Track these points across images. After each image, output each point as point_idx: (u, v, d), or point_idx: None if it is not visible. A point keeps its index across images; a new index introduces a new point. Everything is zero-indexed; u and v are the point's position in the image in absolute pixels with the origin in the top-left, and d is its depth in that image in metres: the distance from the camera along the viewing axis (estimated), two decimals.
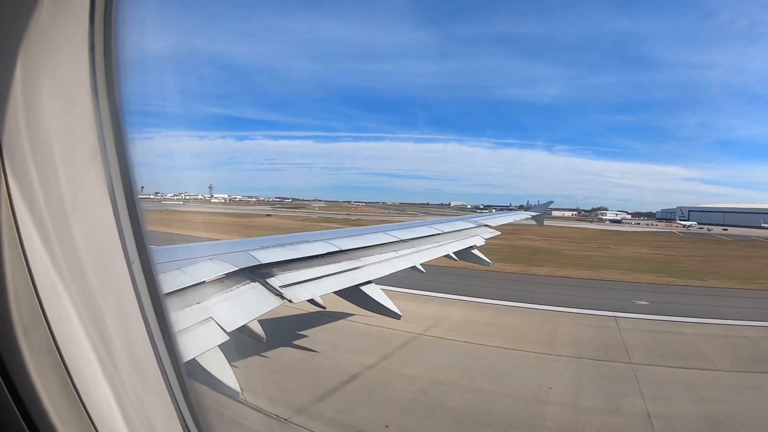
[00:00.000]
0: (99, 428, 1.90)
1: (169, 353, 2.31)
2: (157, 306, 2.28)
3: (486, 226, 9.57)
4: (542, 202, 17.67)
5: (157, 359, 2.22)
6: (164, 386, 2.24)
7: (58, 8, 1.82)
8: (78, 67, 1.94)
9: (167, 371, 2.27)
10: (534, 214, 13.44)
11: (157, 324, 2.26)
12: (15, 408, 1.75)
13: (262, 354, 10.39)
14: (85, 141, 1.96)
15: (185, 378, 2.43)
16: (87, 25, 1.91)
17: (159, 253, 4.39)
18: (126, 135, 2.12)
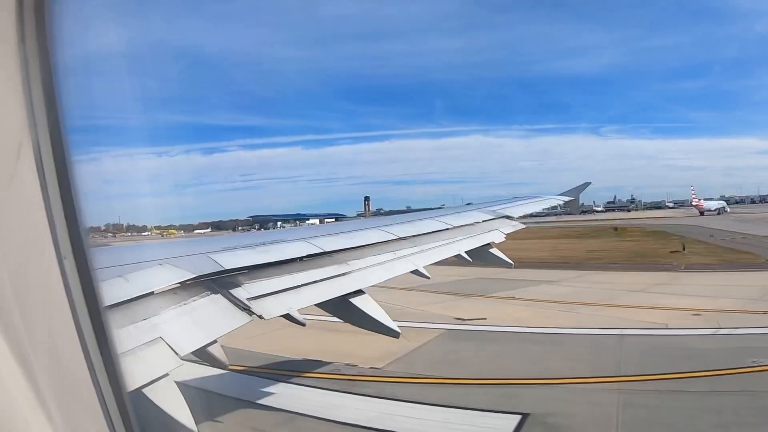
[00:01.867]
0: None
1: (109, 378, 2.06)
2: (94, 317, 2.04)
3: (507, 217, 8.74)
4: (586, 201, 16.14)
5: (94, 384, 1.97)
6: (102, 418, 1.98)
7: None
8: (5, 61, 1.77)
9: (107, 400, 2.02)
10: (567, 198, 12.21)
11: (94, 340, 2.02)
12: None
13: None
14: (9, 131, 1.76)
15: (129, 409, 2.18)
16: (14, 15, 1.74)
17: (97, 255, 3.69)
18: (63, 126, 1.92)
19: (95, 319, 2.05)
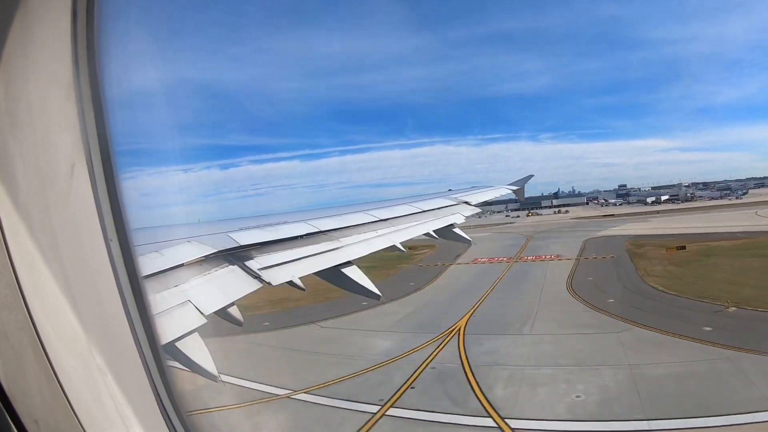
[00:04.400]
0: (75, 407, 1.87)
1: (146, 334, 2.29)
2: (135, 286, 2.26)
3: (466, 203, 9.34)
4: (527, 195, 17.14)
5: (134, 339, 2.20)
6: (141, 366, 2.22)
7: (40, 47, 1.79)
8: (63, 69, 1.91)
9: (144, 351, 2.25)
10: (515, 188, 13.22)
11: (135, 305, 2.24)
12: None
13: None
14: (64, 123, 1.94)
15: (162, 359, 2.41)
16: (69, 57, 1.89)
17: (137, 234, 4.15)
18: (108, 122, 2.11)
19: (135, 286, 2.25)
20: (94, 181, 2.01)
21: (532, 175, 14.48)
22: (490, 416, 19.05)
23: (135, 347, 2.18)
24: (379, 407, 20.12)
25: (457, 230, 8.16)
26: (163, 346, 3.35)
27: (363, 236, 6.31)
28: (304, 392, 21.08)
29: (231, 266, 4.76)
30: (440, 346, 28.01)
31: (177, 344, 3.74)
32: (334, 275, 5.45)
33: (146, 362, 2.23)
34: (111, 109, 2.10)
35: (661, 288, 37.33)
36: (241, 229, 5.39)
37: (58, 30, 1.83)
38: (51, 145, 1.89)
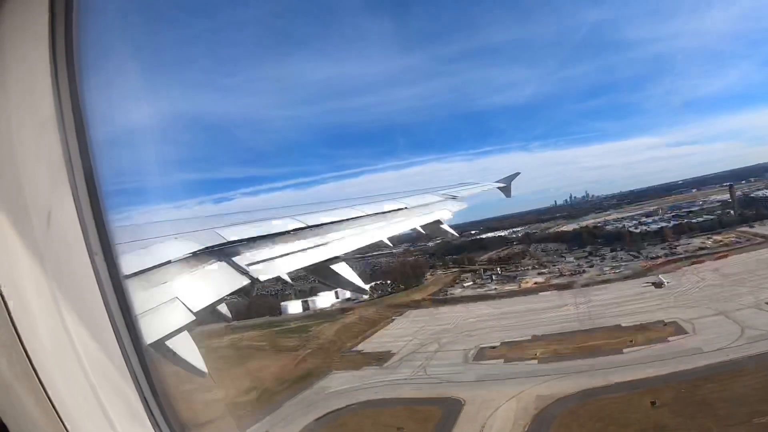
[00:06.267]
0: (65, 422, 1.87)
1: (134, 346, 2.31)
2: (121, 299, 2.27)
3: (453, 197, 9.29)
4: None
5: (122, 352, 2.20)
6: (130, 378, 2.22)
7: (16, 78, 1.79)
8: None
9: (132, 363, 2.26)
10: (502, 185, 13.28)
11: (122, 318, 2.26)
12: None
13: None
14: (44, 138, 1.93)
15: (151, 369, 2.44)
16: (51, 98, 1.88)
17: (123, 232, 4.08)
18: (88, 133, 2.09)
19: (120, 295, 2.28)
20: (77, 198, 2.00)
21: (519, 173, 14.50)
22: None
23: (123, 360, 2.19)
24: None
25: (443, 226, 8.12)
26: (152, 343, 3.35)
27: (350, 231, 6.24)
28: None
29: (219, 262, 4.69)
30: None
31: (165, 342, 3.68)
32: (321, 271, 5.40)
33: (134, 373, 2.23)
34: (96, 147, 2.11)
35: None
36: (228, 225, 5.33)
37: (37, 65, 1.80)
38: (31, 178, 1.88)
